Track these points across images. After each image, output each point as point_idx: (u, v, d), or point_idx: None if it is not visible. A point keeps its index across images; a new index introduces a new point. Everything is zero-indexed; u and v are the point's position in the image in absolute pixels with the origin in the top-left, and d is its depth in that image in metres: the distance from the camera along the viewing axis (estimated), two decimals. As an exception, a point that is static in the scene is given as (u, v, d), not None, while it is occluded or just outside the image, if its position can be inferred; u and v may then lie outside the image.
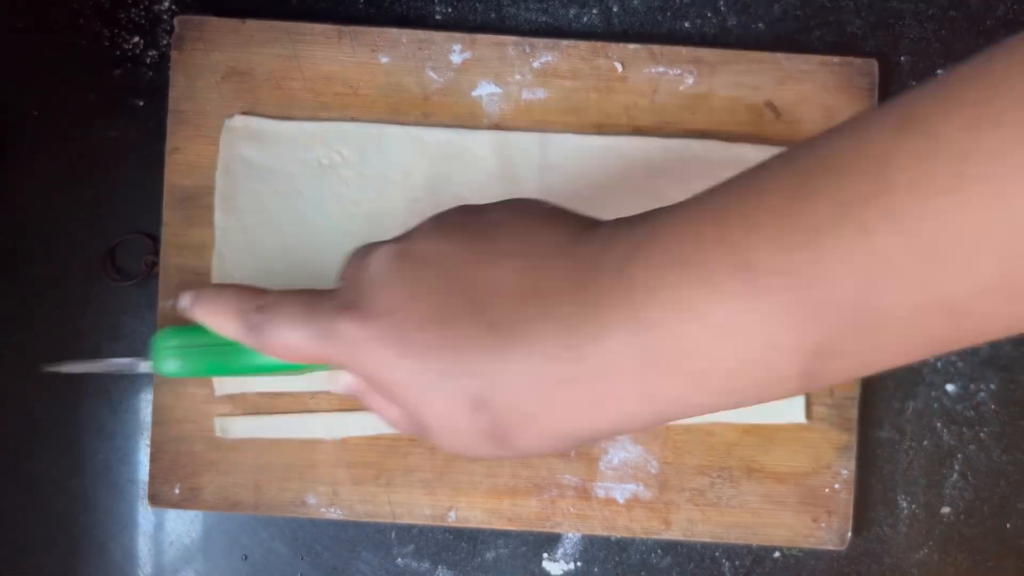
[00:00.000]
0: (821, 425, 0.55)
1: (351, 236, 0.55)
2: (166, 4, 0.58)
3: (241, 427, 0.55)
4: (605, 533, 0.56)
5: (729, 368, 0.30)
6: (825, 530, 0.55)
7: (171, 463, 0.55)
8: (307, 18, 0.56)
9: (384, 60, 0.56)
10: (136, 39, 0.58)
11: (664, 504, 0.55)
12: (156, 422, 0.55)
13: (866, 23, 0.58)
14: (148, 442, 0.57)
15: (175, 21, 0.56)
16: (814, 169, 0.28)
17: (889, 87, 0.58)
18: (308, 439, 0.55)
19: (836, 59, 0.55)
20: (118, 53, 0.58)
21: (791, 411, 0.55)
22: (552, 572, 0.58)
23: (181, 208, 0.55)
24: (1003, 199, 0.24)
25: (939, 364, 0.58)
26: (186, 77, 0.55)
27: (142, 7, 0.58)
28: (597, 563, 0.58)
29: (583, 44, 0.56)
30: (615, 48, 0.55)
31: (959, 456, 0.58)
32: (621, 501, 0.55)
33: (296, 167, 0.55)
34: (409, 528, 0.58)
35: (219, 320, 0.41)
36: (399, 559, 0.58)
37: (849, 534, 0.55)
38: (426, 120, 0.56)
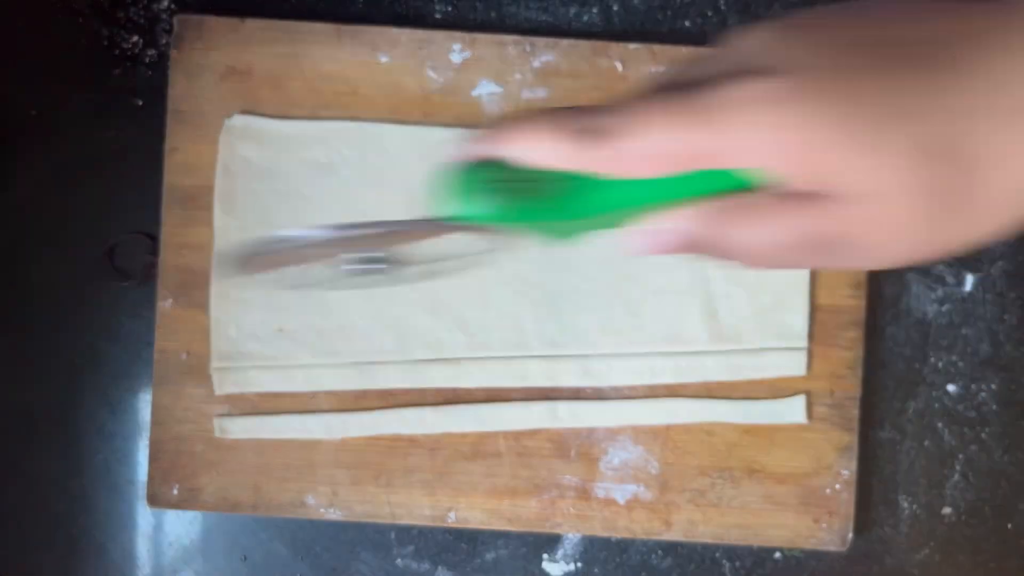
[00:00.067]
0: (822, 425, 0.55)
1: (351, 236, 0.55)
2: (165, 3, 0.58)
3: (240, 427, 0.55)
4: (605, 534, 0.55)
5: None
6: (826, 531, 0.55)
7: (170, 463, 0.55)
8: (306, 17, 0.56)
9: (384, 59, 0.55)
10: (135, 38, 0.58)
11: (665, 505, 0.55)
12: (155, 422, 0.55)
13: (867, 22, 0.58)
14: (147, 442, 0.57)
15: (174, 20, 0.55)
16: None
17: (890, 86, 0.58)
18: (308, 439, 0.55)
19: (837, 58, 0.55)
20: (117, 53, 0.58)
21: (792, 411, 0.55)
22: (552, 573, 0.58)
23: (180, 208, 0.55)
24: None
25: (940, 364, 0.58)
26: (185, 76, 0.55)
27: (141, 6, 0.58)
28: (597, 564, 0.58)
29: (583, 43, 0.55)
30: (615, 47, 0.55)
31: (960, 456, 0.58)
32: (621, 502, 0.55)
33: (295, 166, 0.55)
34: (409, 529, 0.58)
35: (538, 138, 0.30)
36: (399, 560, 0.58)
37: (850, 535, 0.55)
38: (426, 120, 0.56)
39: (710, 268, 0.55)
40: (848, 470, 0.55)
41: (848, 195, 0.28)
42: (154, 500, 0.55)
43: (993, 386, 0.58)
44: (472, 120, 0.56)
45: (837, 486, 0.55)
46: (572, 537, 0.57)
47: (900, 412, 0.58)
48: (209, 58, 0.55)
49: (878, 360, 0.58)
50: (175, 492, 0.55)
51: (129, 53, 0.58)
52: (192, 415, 0.55)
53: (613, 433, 0.55)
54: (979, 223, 0.28)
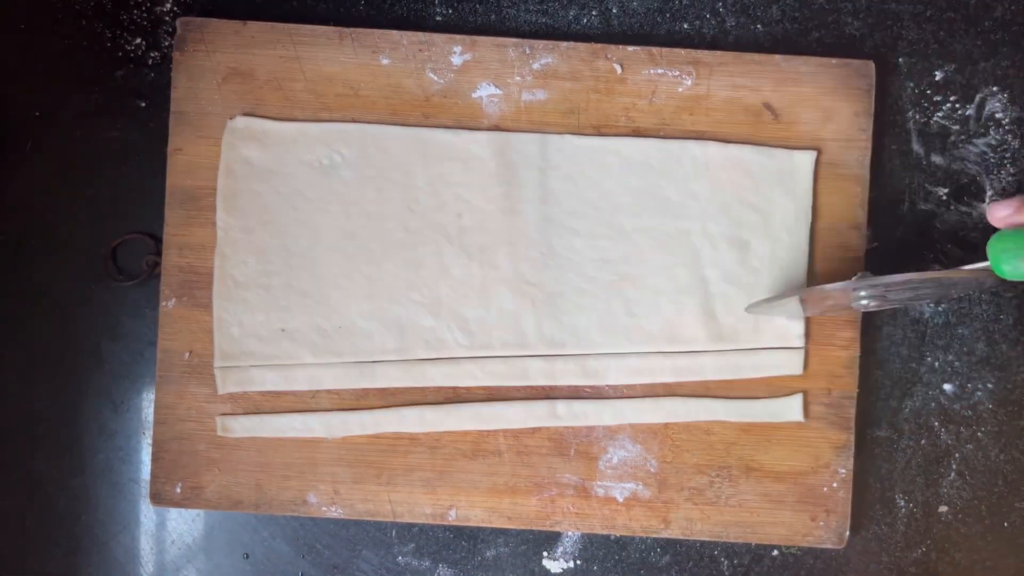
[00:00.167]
0: (819, 424, 0.56)
1: (351, 236, 0.55)
2: (168, 6, 0.58)
3: (243, 426, 0.55)
4: (604, 532, 0.56)
5: None
6: (823, 529, 0.55)
7: (173, 462, 0.55)
8: (308, 20, 0.57)
9: (385, 62, 0.56)
10: (138, 40, 0.58)
11: (663, 503, 0.55)
12: (158, 421, 0.56)
13: (864, 25, 0.58)
14: (150, 441, 0.57)
15: (177, 23, 0.56)
16: None
17: (887, 88, 0.58)
18: (309, 438, 0.55)
19: (834, 61, 0.56)
20: (120, 54, 0.58)
21: (789, 410, 0.55)
22: (552, 570, 0.58)
23: (183, 208, 0.56)
24: None
25: (936, 364, 0.58)
26: (188, 78, 0.56)
27: (144, 9, 0.58)
28: (596, 561, 0.58)
29: (582, 46, 0.56)
30: (614, 50, 0.56)
31: (956, 455, 0.58)
32: (620, 500, 0.55)
33: (297, 168, 0.56)
34: (410, 527, 0.58)
35: None
36: (400, 557, 0.58)
37: (847, 533, 0.55)
38: (426, 121, 0.56)
39: (707, 268, 0.55)
40: (845, 468, 0.55)
41: None
42: (157, 498, 0.55)
43: (989, 385, 0.58)
44: (472, 122, 0.56)
45: (834, 484, 0.55)
46: (571, 535, 0.58)
47: (897, 411, 0.58)
48: (211, 60, 0.56)
49: (875, 360, 0.58)
50: (178, 490, 0.55)
51: (132, 55, 0.58)
52: (195, 414, 0.55)
53: (612, 432, 0.55)
54: None
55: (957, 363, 0.58)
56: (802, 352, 0.55)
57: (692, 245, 0.55)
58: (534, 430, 0.55)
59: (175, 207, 0.56)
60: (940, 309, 0.58)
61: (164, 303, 0.56)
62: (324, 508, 0.55)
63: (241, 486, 0.55)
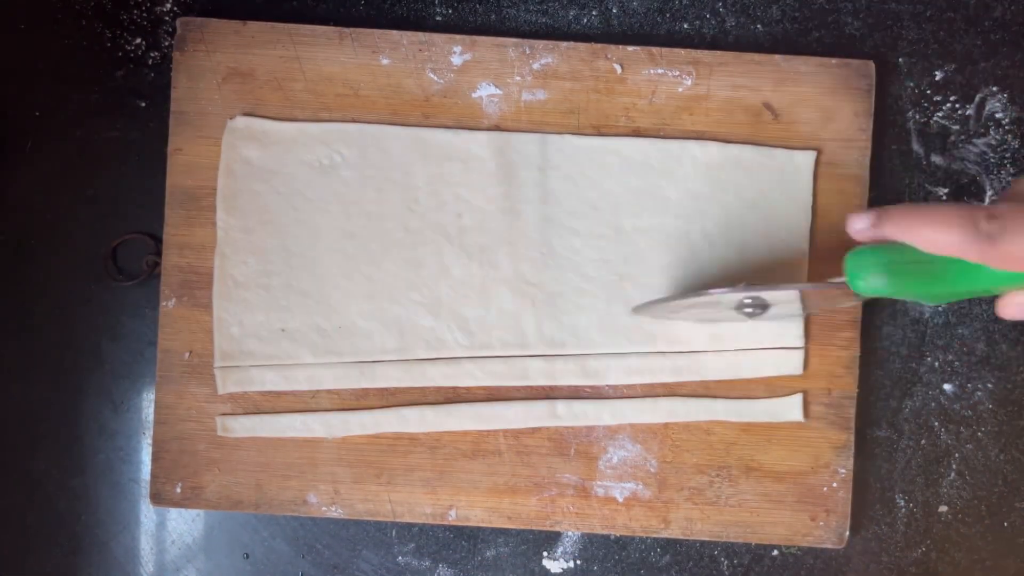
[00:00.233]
0: (819, 424, 0.56)
1: (351, 236, 0.55)
2: (168, 6, 0.58)
3: (243, 426, 0.55)
4: (604, 531, 0.56)
5: None
6: (823, 528, 0.55)
7: (173, 462, 0.56)
8: (308, 20, 0.57)
9: (385, 62, 0.56)
10: (138, 40, 0.58)
11: (663, 503, 0.55)
12: (158, 421, 0.56)
13: (864, 25, 0.59)
14: (150, 441, 0.57)
15: (177, 23, 0.56)
16: None
17: (887, 88, 0.58)
18: (309, 438, 0.56)
19: (834, 61, 0.56)
20: (120, 54, 0.58)
21: (789, 410, 0.55)
22: (552, 570, 0.58)
23: (183, 208, 0.56)
24: None
25: (936, 364, 0.58)
26: (188, 78, 0.56)
27: (144, 9, 0.58)
28: (596, 561, 0.58)
29: (582, 46, 0.56)
30: (614, 50, 0.56)
31: (956, 455, 0.58)
32: (620, 500, 0.55)
33: (297, 168, 0.56)
34: (410, 527, 0.58)
35: (933, 232, 0.37)
36: (400, 557, 0.58)
37: (847, 532, 0.55)
38: (426, 121, 0.56)
39: (707, 268, 0.55)
40: (845, 468, 0.55)
41: None
42: (157, 498, 0.55)
43: (989, 385, 0.58)
44: (472, 122, 0.56)
45: (834, 484, 0.55)
46: (571, 535, 0.58)
47: (897, 411, 0.58)
48: (211, 60, 0.56)
49: (875, 359, 0.58)
50: (178, 490, 0.55)
51: (132, 55, 0.58)
52: (195, 414, 0.55)
53: (612, 432, 0.55)
54: None
55: (957, 363, 0.58)
56: (802, 352, 0.55)
57: (692, 245, 0.55)
58: (534, 430, 0.56)
59: (175, 207, 0.56)
60: (940, 309, 0.58)
61: (164, 303, 0.56)
62: (324, 508, 0.55)
63: (241, 486, 0.55)
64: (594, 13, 0.59)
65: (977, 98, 0.58)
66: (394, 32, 0.56)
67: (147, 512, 0.58)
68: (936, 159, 0.58)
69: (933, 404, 0.58)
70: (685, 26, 0.58)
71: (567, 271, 0.55)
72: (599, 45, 0.56)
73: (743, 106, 0.56)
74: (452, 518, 0.56)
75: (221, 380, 0.55)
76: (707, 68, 0.56)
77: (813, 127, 0.56)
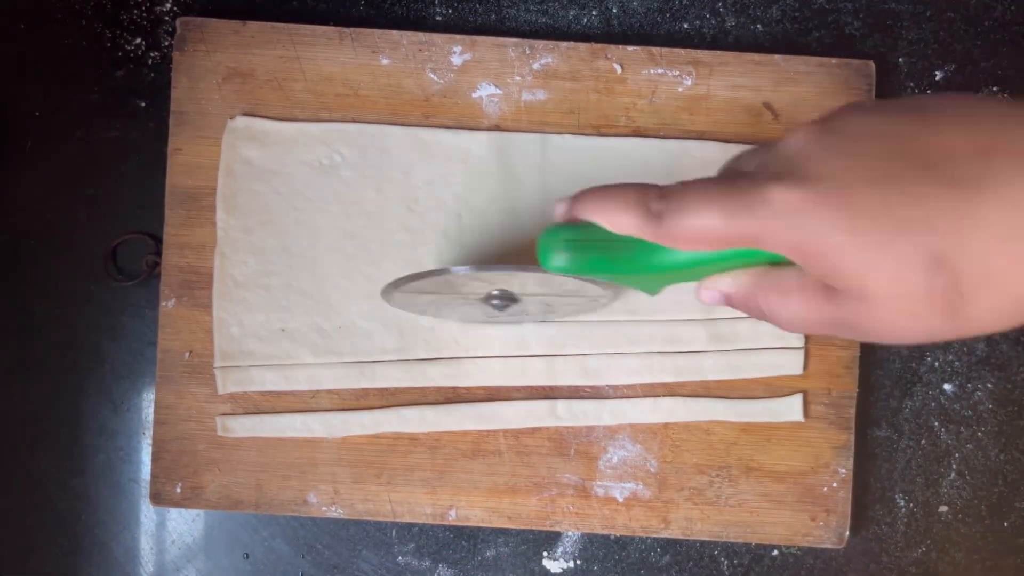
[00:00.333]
0: (819, 424, 0.56)
1: (351, 236, 0.55)
2: (168, 5, 0.58)
3: (243, 426, 0.55)
4: (604, 531, 0.56)
5: None
6: (823, 529, 0.55)
7: (173, 462, 0.56)
8: (308, 20, 0.57)
9: (385, 62, 0.56)
10: (138, 40, 0.58)
11: (663, 503, 0.55)
12: (158, 421, 0.56)
13: (864, 25, 0.59)
14: (150, 441, 0.57)
15: (177, 22, 0.56)
16: None
17: (887, 88, 0.58)
18: (309, 438, 0.56)
19: (834, 61, 0.56)
20: (120, 54, 0.58)
21: (789, 410, 0.55)
22: (552, 570, 0.58)
23: (183, 208, 0.56)
24: None
25: (936, 363, 0.58)
26: (188, 78, 0.56)
27: (144, 8, 0.58)
28: (596, 561, 0.58)
29: (582, 46, 0.56)
30: (614, 49, 0.56)
31: (956, 455, 0.58)
32: (620, 500, 0.55)
33: (297, 168, 0.56)
34: (410, 527, 0.58)
35: (613, 212, 0.37)
36: (400, 557, 0.58)
37: (847, 533, 0.55)
38: (426, 121, 0.56)
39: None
40: (845, 468, 0.55)
41: (861, 295, 0.32)
42: (157, 498, 0.55)
43: (989, 385, 0.58)
44: (472, 122, 0.56)
45: (834, 484, 0.55)
46: (571, 535, 0.58)
47: (897, 411, 0.58)
48: (211, 60, 0.56)
49: (875, 359, 0.58)
50: (178, 490, 0.55)
51: (132, 55, 0.58)
52: (195, 414, 0.55)
53: (612, 432, 0.55)
54: (969, 328, 0.32)
55: (957, 363, 0.58)
56: (802, 352, 0.55)
57: (692, 245, 0.55)
58: (534, 430, 0.56)
59: (175, 207, 0.56)
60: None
61: (164, 303, 0.56)
62: (324, 508, 0.55)
63: (241, 486, 0.55)
64: (594, 13, 0.59)
65: (977, 98, 0.58)
66: (394, 32, 0.56)
67: (147, 512, 0.58)
68: (936, 159, 0.58)
69: (933, 404, 0.58)
70: (685, 26, 0.58)
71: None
72: (599, 45, 0.56)
73: (743, 106, 0.56)
74: (452, 518, 0.56)
75: (221, 380, 0.55)
76: (707, 68, 0.56)
77: (813, 127, 0.56)
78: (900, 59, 0.58)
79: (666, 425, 0.55)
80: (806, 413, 0.55)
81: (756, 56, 0.56)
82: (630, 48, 0.56)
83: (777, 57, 0.56)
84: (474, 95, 0.56)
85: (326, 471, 0.55)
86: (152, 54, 0.58)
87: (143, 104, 0.58)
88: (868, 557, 0.58)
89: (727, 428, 0.56)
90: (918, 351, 0.58)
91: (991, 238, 0.30)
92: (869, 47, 0.58)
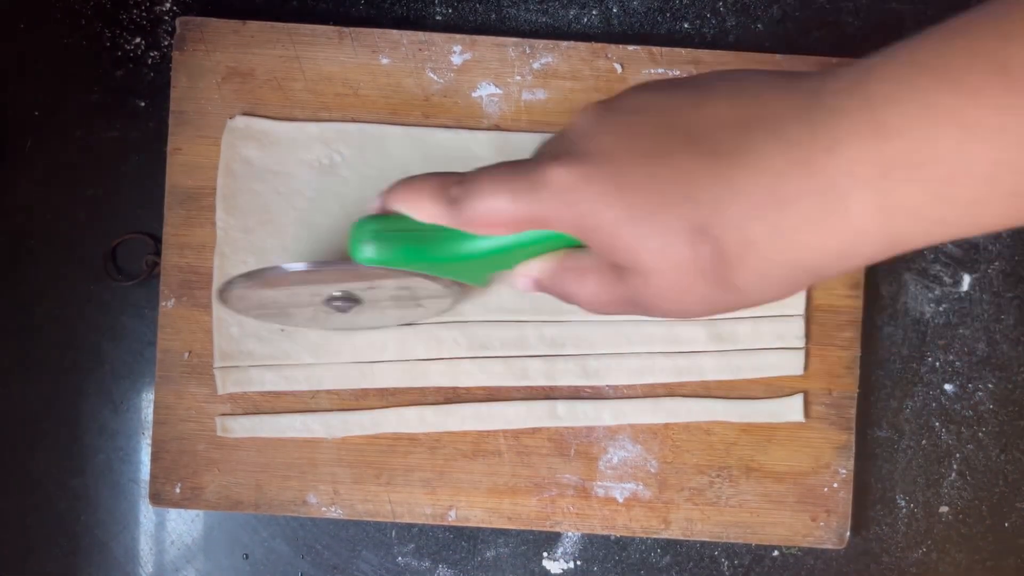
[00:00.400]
0: (820, 424, 0.55)
1: (352, 236, 0.55)
2: (167, 5, 0.58)
3: (242, 426, 0.55)
4: (605, 532, 0.56)
5: (979, 173, 0.28)
6: (824, 529, 0.55)
7: (172, 462, 0.55)
8: (308, 19, 0.57)
9: (384, 61, 0.56)
10: (137, 40, 0.58)
11: (663, 503, 0.55)
12: (157, 421, 0.56)
13: (865, 24, 0.58)
14: (149, 441, 0.57)
15: (176, 22, 0.56)
16: None
17: (887, 88, 0.58)
18: (309, 438, 0.55)
19: (834, 61, 0.56)
20: (119, 54, 0.58)
21: (790, 410, 0.55)
22: (552, 571, 0.58)
23: (182, 208, 0.56)
24: None
25: (937, 364, 0.58)
26: (187, 78, 0.56)
27: (143, 8, 0.58)
28: (597, 562, 0.58)
29: (583, 45, 0.56)
30: (615, 49, 0.56)
31: (957, 455, 0.58)
32: (620, 500, 0.55)
33: (297, 167, 0.56)
34: (409, 527, 0.58)
35: (417, 201, 0.38)
36: (399, 558, 0.58)
37: (848, 533, 0.55)
38: (426, 121, 0.56)
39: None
40: (846, 469, 0.55)
41: (638, 269, 0.33)
42: (156, 499, 0.55)
43: (990, 385, 0.58)
44: (472, 121, 0.56)
45: (835, 485, 0.55)
46: (572, 535, 0.58)
47: (897, 411, 0.58)
48: (211, 60, 0.56)
49: (875, 360, 0.58)
50: (177, 491, 0.55)
51: (131, 54, 0.58)
52: (194, 414, 0.55)
53: (612, 432, 0.55)
54: (750, 292, 0.33)
55: (958, 363, 0.58)
56: (802, 352, 0.55)
57: (692, 245, 0.55)
58: (534, 430, 0.55)
59: (175, 207, 0.56)
60: (941, 309, 0.58)
61: (164, 303, 0.56)
62: (324, 508, 0.55)
63: (241, 486, 0.55)
64: (594, 12, 0.58)
65: (978, 98, 0.58)
66: (394, 31, 0.56)
67: (146, 512, 0.58)
68: (937, 159, 0.58)
69: (934, 404, 0.58)
70: (686, 25, 0.58)
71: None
72: (599, 44, 0.56)
73: (743, 106, 0.56)
74: (452, 518, 0.56)
75: (221, 380, 0.55)
76: (708, 67, 0.56)
77: (814, 127, 0.56)
78: (901, 59, 0.58)
79: (666, 425, 0.55)
80: (807, 413, 0.55)
81: (756, 56, 0.56)
82: (630, 48, 0.56)
83: (777, 57, 0.56)
84: (474, 95, 0.56)
85: (326, 471, 0.55)
86: (152, 54, 0.58)
87: (143, 104, 0.58)
88: (869, 558, 0.58)
89: (727, 428, 0.56)
90: (919, 351, 0.58)
91: (748, 207, 0.31)
92: (870, 47, 0.58)
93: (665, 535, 0.56)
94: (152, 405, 0.56)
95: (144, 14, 0.58)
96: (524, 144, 0.55)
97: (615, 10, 0.58)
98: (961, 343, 0.58)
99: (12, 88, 0.58)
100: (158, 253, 0.57)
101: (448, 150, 0.56)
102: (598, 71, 0.56)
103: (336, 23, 0.56)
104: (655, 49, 0.56)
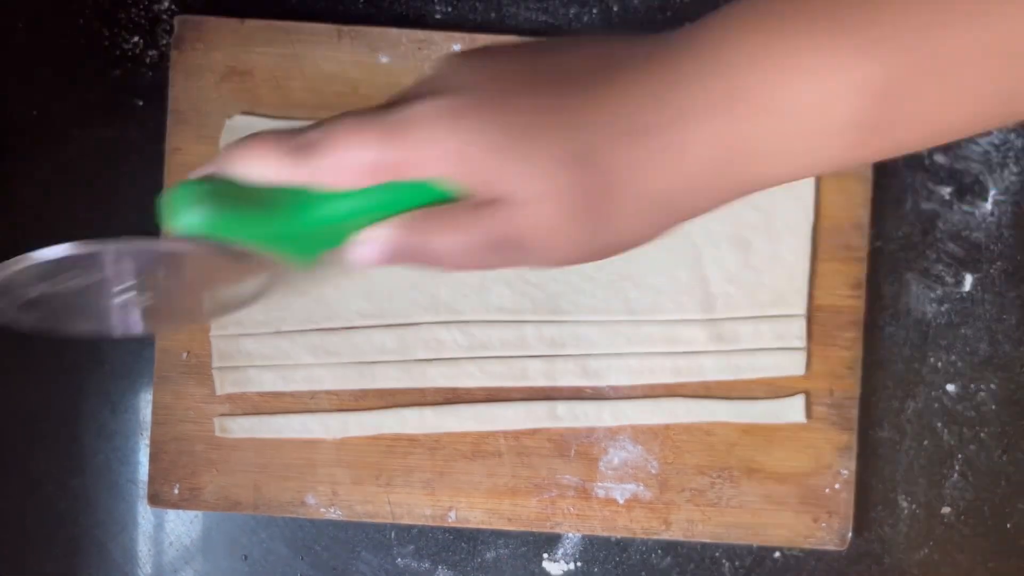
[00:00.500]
0: (821, 425, 0.55)
1: (351, 236, 0.55)
2: (166, 4, 0.58)
3: (241, 427, 0.55)
4: (605, 533, 0.56)
5: (813, 107, 0.30)
6: (825, 530, 0.55)
7: (171, 463, 0.55)
8: (307, 18, 0.56)
9: (384, 60, 0.56)
10: (136, 39, 0.58)
11: (664, 504, 0.55)
12: (156, 422, 0.55)
13: (866, 23, 0.58)
14: (148, 442, 0.57)
15: (175, 21, 0.56)
16: None
17: (889, 87, 0.58)
18: (308, 439, 0.55)
19: (836, 59, 0.55)
20: (118, 53, 0.58)
21: (791, 411, 0.55)
22: (552, 572, 0.58)
23: (181, 208, 0.55)
24: None
25: (939, 364, 0.58)
26: (186, 77, 0.55)
27: (142, 7, 0.58)
28: (597, 563, 0.58)
29: (583, 44, 0.56)
30: (615, 48, 0.55)
31: (959, 456, 0.58)
32: (621, 501, 0.55)
33: (296, 167, 0.55)
34: (409, 528, 0.58)
35: (256, 155, 0.33)
36: (399, 559, 0.58)
37: (849, 534, 0.55)
38: (426, 120, 0.56)
39: (708, 268, 0.55)
40: (847, 470, 0.55)
41: (514, 200, 0.32)
42: (155, 499, 0.55)
43: (992, 386, 0.58)
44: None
45: (836, 486, 0.55)
46: (572, 536, 0.58)
47: (899, 412, 0.58)
48: (210, 58, 0.55)
49: (877, 360, 0.58)
50: (176, 491, 0.55)
51: (130, 53, 0.58)
52: (193, 415, 0.55)
53: (612, 433, 0.55)
54: (622, 227, 0.33)
55: (960, 363, 0.58)
56: (803, 353, 0.55)
57: (693, 244, 0.55)
58: (534, 431, 0.55)
59: (173, 207, 0.55)
60: (943, 309, 0.58)
61: (162, 303, 0.55)
62: (323, 509, 0.55)
63: (239, 487, 0.55)
64: (595, 11, 0.58)
65: (981, 96, 0.58)
66: (393, 30, 0.56)
67: (145, 513, 0.58)
68: (939, 158, 0.58)
69: (936, 405, 0.58)
70: (686, 24, 0.58)
71: (567, 271, 0.55)
72: (600, 43, 0.56)
73: (745, 105, 0.55)
74: (452, 520, 0.55)
75: (219, 380, 0.55)
76: (708, 66, 0.55)
77: (815, 126, 0.55)
78: (903, 57, 0.58)
79: (667, 426, 0.55)
80: (808, 414, 0.55)
81: (758, 54, 0.55)
82: (631, 46, 0.55)
83: (779, 55, 0.55)
84: (474, 94, 0.56)
85: (325, 472, 0.55)
86: (150, 53, 0.58)
87: (141, 103, 0.58)
88: (870, 559, 0.58)
89: (728, 429, 0.55)
90: (921, 352, 0.58)
91: (620, 135, 0.31)
92: (872, 45, 0.58)
93: (666, 536, 0.55)
94: (151, 405, 0.56)
95: (142, 13, 0.58)
96: (524, 143, 0.55)
97: (615, 9, 0.58)
98: (963, 343, 0.58)
99: (12, 88, 0.58)
100: (157, 253, 0.57)
101: (448, 149, 0.55)
102: (598, 70, 0.55)
103: (335, 21, 0.56)
104: (656, 48, 0.55)
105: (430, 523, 0.56)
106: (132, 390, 0.58)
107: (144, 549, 0.58)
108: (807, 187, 0.55)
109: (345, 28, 0.56)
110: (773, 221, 0.55)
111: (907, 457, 0.58)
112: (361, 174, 0.32)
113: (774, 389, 0.55)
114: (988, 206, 0.57)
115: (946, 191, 0.58)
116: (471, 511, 0.55)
